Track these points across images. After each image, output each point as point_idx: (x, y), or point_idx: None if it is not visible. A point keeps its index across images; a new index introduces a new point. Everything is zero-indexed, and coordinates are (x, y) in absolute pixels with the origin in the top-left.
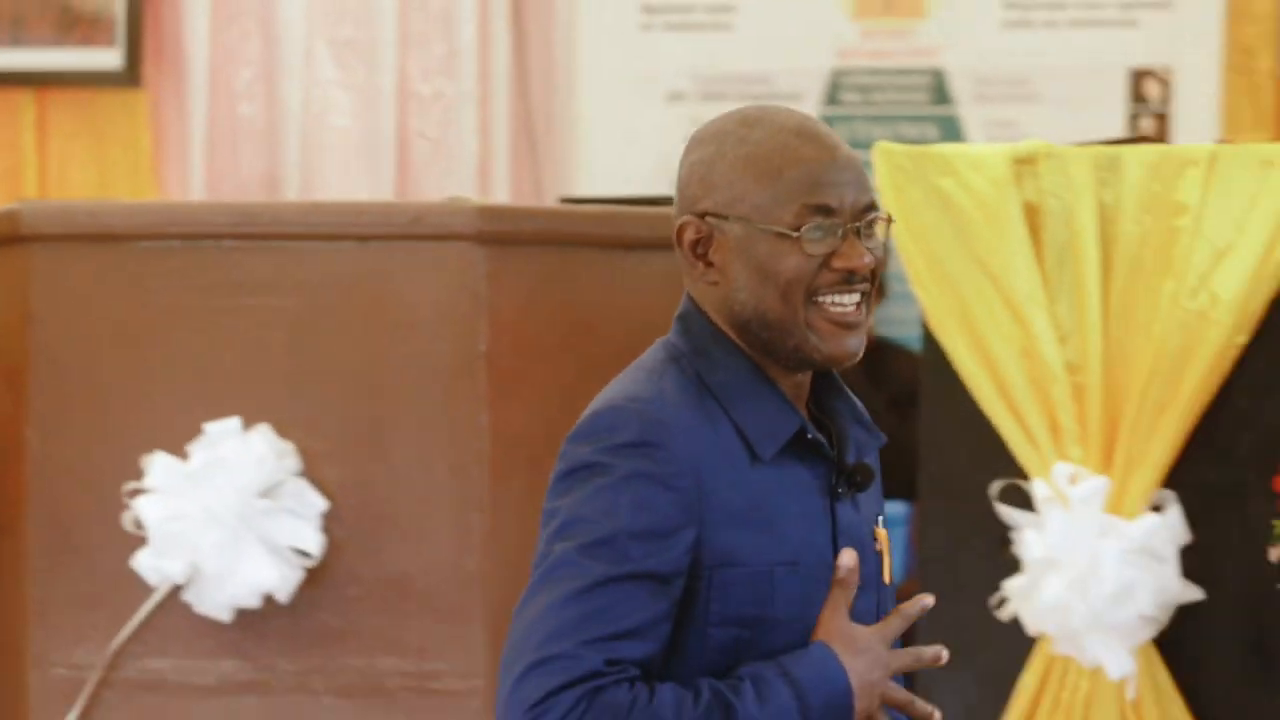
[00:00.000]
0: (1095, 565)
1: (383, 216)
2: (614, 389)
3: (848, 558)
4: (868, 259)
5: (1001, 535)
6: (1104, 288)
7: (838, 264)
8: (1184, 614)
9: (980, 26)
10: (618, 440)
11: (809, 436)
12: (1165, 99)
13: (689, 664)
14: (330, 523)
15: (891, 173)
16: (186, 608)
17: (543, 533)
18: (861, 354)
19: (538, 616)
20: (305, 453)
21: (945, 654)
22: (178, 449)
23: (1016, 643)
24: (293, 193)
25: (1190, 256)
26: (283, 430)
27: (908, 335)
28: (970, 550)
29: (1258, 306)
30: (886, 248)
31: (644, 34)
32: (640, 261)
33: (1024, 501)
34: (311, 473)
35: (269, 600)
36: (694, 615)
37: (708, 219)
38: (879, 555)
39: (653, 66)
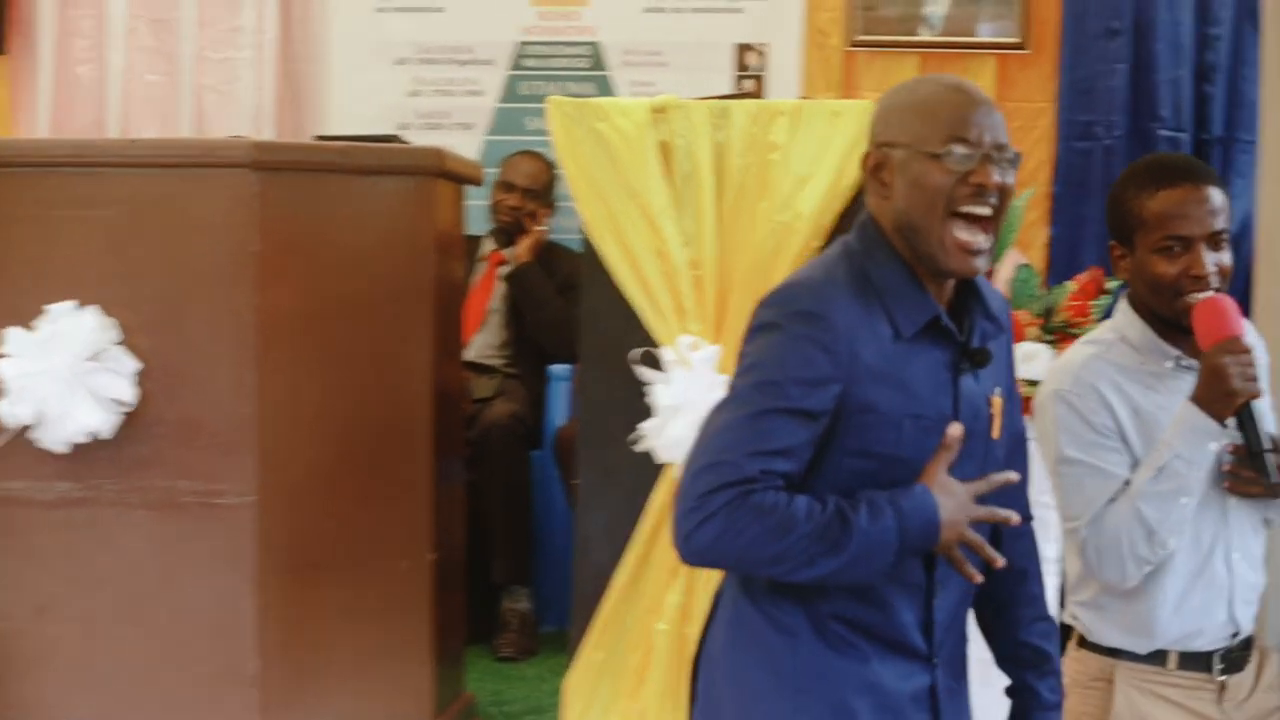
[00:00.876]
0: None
1: (181, 149)
2: (801, 271)
3: (955, 429)
4: (997, 177)
5: (639, 389)
6: (717, 206)
7: (973, 179)
8: None
9: (627, 11)
10: (793, 309)
11: (942, 324)
12: (762, 66)
13: (825, 482)
14: (142, 379)
15: (561, 119)
16: (34, 442)
17: (737, 368)
18: (983, 270)
19: (717, 430)
20: (124, 327)
21: (1016, 518)
22: (27, 324)
23: (649, 470)
24: (115, 133)
25: (780, 183)
26: (107, 310)
27: (572, 239)
28: (617, 400)
29: (829, 220)
30: (1013, 184)
31: (379, 14)
32: (373, 184)
33: (656, 364)
34: (128, 341)
35: (95, 437)
36: (835, 447)
37: (882, 149)
38: (990, 417)
39: (385, 38)
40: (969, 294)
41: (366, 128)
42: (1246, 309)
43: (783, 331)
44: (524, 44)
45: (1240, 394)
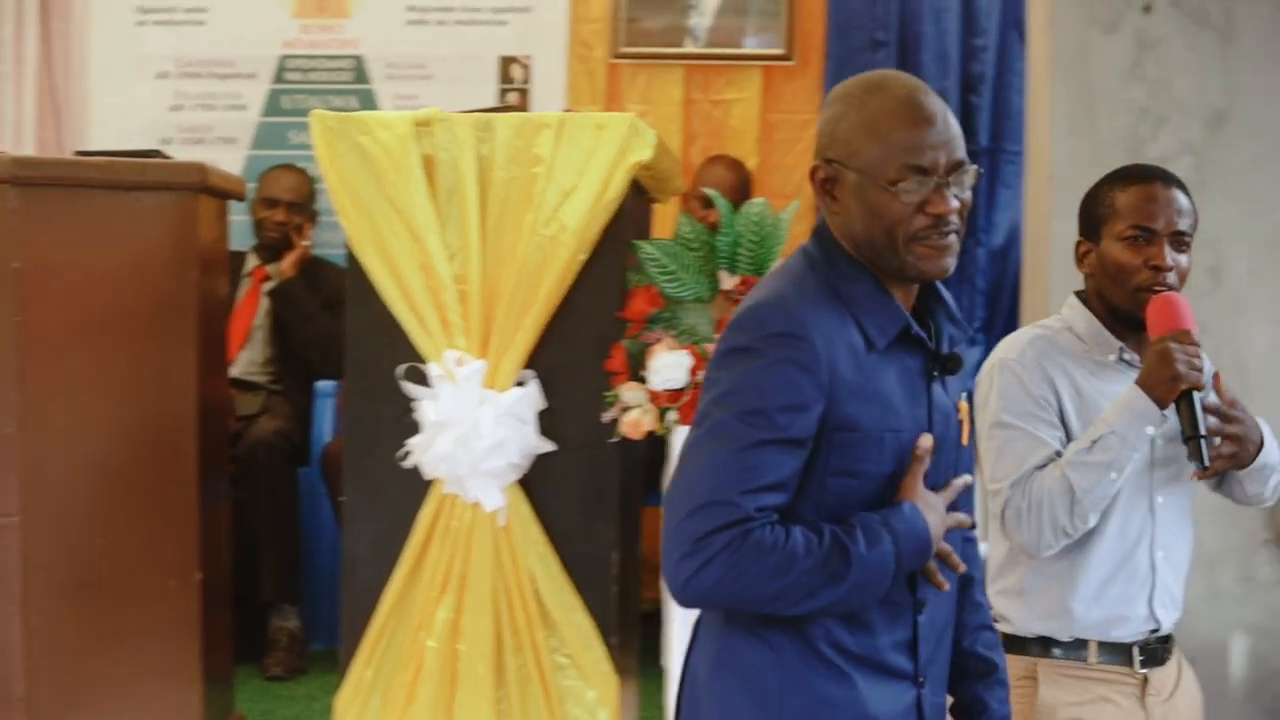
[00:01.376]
0: (476, 426)
1: None
2: (766, 288)
3: (925, 441)
4: (954, 204)
5: (406, 404)
6: (482, 218)
7: (930, 210)
8: (541, 461)
9: (390, 24)
10: (769, 331)
11: (912, 332)
12: (526, 79)
13: (809, 503)
14: None
15: (324, 133)
16: None
17: (704, 395)
18: (949, 271)
19: (702, 466)
20: None
21: (969, 520)
22: None
23: (417, 486)
24: None
25: (545, 195)
26: None
27: (336, 254)
28: (383, 416)
29: (595, 232)
30: (975, 192)
31: (140, 27)
32: (135, 200)
33: (422, 379)
34: None
35: None
36: (818, 468)
37: (833, 165)
38: (959, 424)
39: (146, 52)
40: (932, 298)
41: (129, 143)
42: (1014, 319)
43: (761, 356)
44: (286, 57)
45: (1184, 380)
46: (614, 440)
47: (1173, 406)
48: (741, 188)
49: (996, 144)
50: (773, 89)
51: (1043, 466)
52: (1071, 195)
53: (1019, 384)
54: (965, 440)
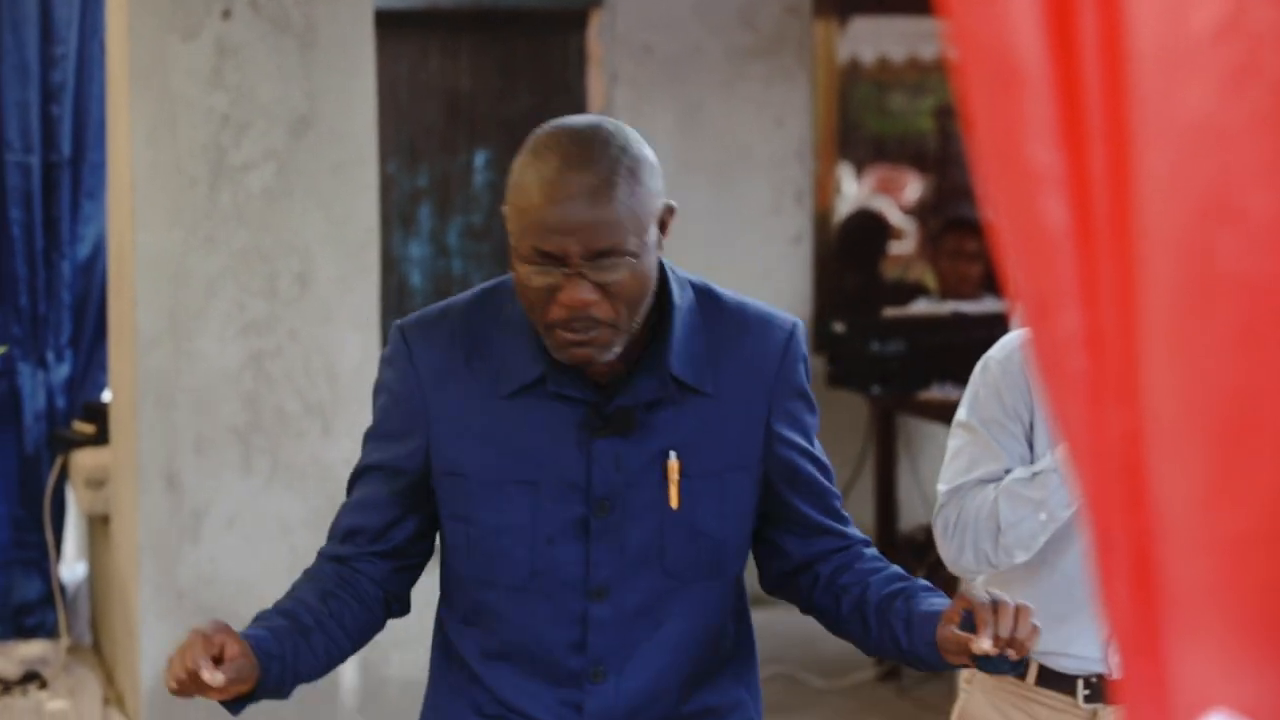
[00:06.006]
0: None
1: None
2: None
3: None
4: (587, 297)
5: None
6: None
7: (561, 298)
8: None
9: None
10: (385, 352)
11: (549, 388)
12: None
13: (447, 550)
14: None
15: None
16: None
17: None
18: (604, 360)
19: None
20: None
21: None
22: None
23: None
24: None
25: None
26: None
27: None
28: None
29: None
30: (622, 278)
31: None
32: None
33: None
34: None
35: None
36: (439, 511)
37: (503, 208)
38: (665, 484)
39: None
40: (657, 349)
41: None
42: (102, 332)
43: (379, 376)
44: None
45: None
46: None
47: None
48: None
49: (79, 154)
50: None
51: (987, 482)
52: (154, 205)
53: (994, 389)
54: (673, 502)
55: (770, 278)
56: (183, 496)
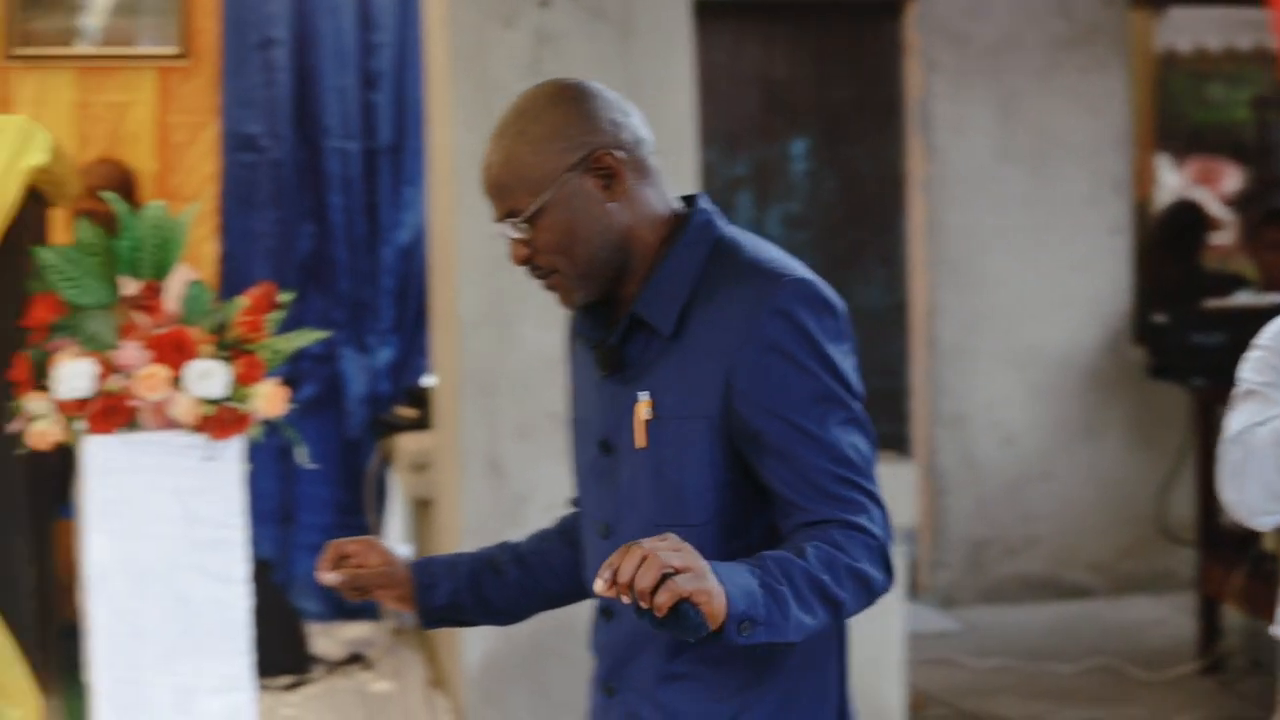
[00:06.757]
0: None
1: None
2: None
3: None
4: (518, 252)
5: None
6: None
7: (511, 251)
8: None
9: None
10: None
11: (575, 328)
12: None
13: None
14: None
15: None
16: None
17: None
18: (580, 302)
19: None
20: None
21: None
22: None
23: None
24: None
25: None
26: None
27: None
28: None
29: None
30: (546, 238)
31: None
32: None
33: None
34: None
35: None
36: None
37: None
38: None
39: None
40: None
41: None
42: (423, 318)
43: None
44: None
45: None
46: (20, 452)
47: None
48: (124, 188)
49: (399, 141)
50: (169, 90)
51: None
52: (475, 192)
53: (1267, 356)
54: (638, 442)
55: (1088, 268)
56: (505, 482)
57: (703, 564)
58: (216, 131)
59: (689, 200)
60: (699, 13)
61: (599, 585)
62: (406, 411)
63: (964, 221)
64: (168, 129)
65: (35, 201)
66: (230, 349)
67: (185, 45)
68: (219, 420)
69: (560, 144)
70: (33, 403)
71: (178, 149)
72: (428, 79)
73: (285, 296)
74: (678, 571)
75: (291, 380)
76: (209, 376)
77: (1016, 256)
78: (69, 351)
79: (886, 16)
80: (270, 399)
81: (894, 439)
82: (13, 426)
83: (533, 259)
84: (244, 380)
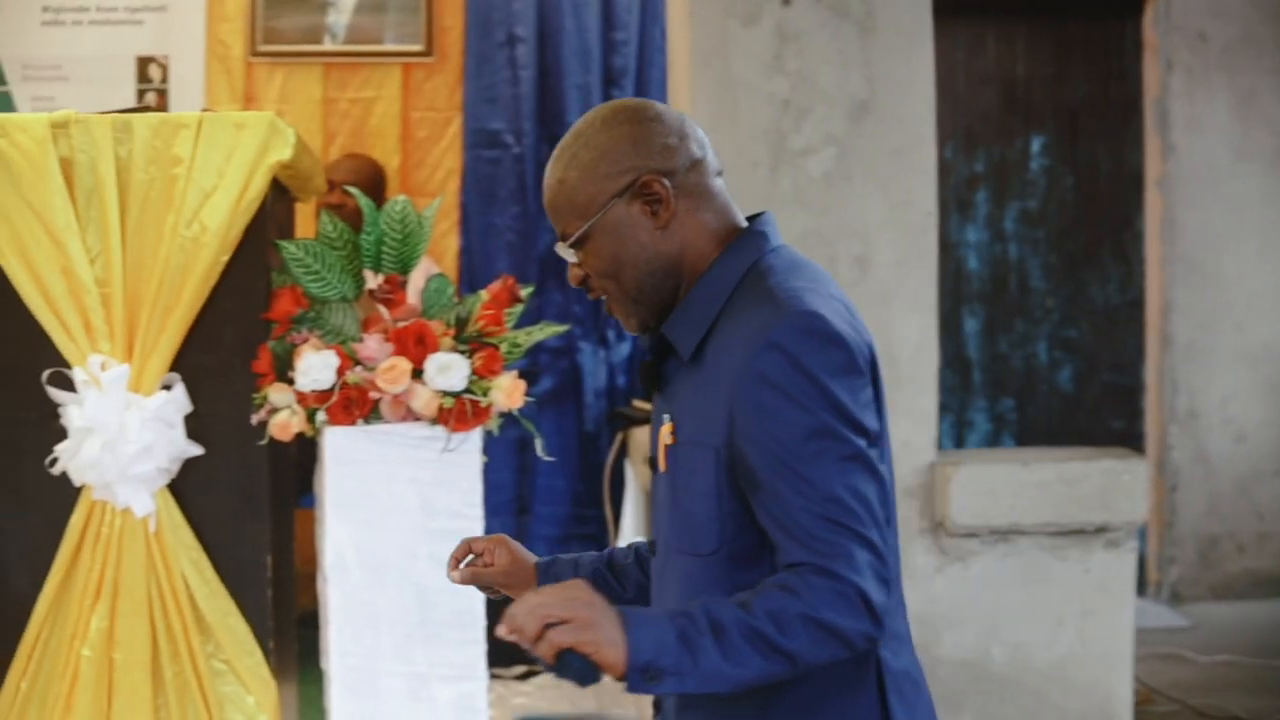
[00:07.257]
0: (122, 431)
1: None
2: None
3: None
4: (573, 273)
5: (52, 410)
6: (122, 221)
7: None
8: (190, 465)
9: (25, 24)
10: None
11: (646, 346)
12: (164, 79)
13: None
14: None
15: None
16: None
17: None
18: (639, 328)
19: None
20: None
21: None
22: None
23: (66, 493)
24: None
25: (185, 196)
26: None
27: None
28: (28, 422)
29: (237, 233)
30: (594, 264)
31: None
32: None
33: (69, 384)
34: None
35: None
36: None
37: None
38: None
39: None
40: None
41: None
42: None
43: None
44: None
45: None
46: (263, 442)
47: None
48: (372, 183)
49: None
50: (413, 86)
51: None
52: None
53: None
54: (661, 465)
55: None
56: None
57: (593, 615)
58: (459, 127)
59: (754, 219)
60: (938, 11)
61: (500, 630)
62: (643, 405)
63: (1200, 219)
64: (411, 125)
65: (281, 196)
66: (470, 342)
67: (430, 43)
68: (458, 412)
69: (607, 169)
70: (275, 394)
71: (421, 145)
72: (670, 76)
73: (525, 291)
74: (562, 622)
75: (530, 373)
76: (449, 369)
77: (1251, 254)
78: (311, 344)
79: (1126, 15)
80: (509, 392)
81: (1127, 435)
82: (256, 417)
83: (586, 281)
84: (483, 373)
